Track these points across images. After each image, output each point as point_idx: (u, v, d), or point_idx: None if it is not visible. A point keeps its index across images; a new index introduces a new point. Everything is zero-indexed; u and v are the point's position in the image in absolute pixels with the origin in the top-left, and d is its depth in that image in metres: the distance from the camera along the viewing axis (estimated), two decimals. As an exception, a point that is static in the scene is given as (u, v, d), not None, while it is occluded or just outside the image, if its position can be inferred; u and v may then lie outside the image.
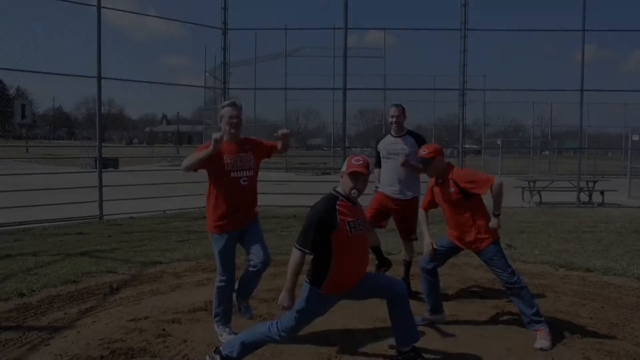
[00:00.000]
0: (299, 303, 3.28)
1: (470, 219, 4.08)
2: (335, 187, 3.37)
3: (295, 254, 3.16)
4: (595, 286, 5.54)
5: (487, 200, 4.09)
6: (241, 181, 3.78)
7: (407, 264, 5.37)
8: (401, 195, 5.15)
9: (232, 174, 3.75)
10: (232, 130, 3.82)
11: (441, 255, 4.32)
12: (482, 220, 4.07)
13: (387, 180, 5.24)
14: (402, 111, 5.28)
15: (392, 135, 5.31)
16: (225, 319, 3.96)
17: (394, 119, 5.24)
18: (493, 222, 4.02)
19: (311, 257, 3.31)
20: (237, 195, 3.78)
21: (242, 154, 3.83)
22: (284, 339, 3.32)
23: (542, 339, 3.85)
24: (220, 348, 3.35)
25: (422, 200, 4.50)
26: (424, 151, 4.18)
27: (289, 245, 7.46)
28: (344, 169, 3.27)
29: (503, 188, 3.97)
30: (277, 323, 3.30)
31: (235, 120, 3.81)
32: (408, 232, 5.27)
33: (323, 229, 3.15)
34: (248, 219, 3.91)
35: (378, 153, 5.41)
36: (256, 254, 3.84)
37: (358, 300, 4.03)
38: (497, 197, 3.96)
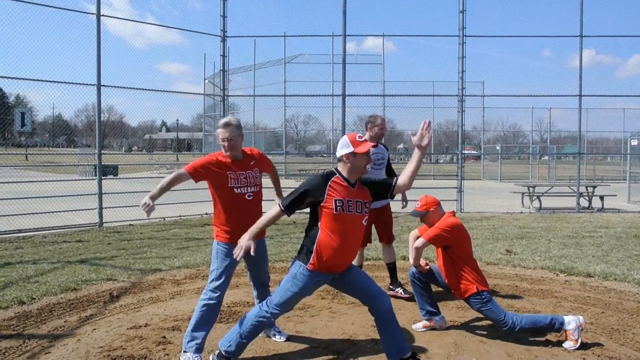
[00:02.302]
0: (287, 279, 3.35)
1: (452, 267, 4.17)
2: (336, 166, 3.41)
3: (274, 209, 3.34)
4: (596, 291, 5.54)
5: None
6: (246, 196, 3.75)
7: (392, 267, 5.52)
8: (380, 204, 5.37)
9: (236, 190, 3.70)
10: (227, 153, 3.71)
11: (431, 275, 4.40)
12: (464, 272, 4.11)
13: None
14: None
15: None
16: (202, 345, 3.63)
17: (383, 130, 5.45)
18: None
19: (305, 233, 3.41)
20: (244, 210, 3.74)
21: (248, 171, 3.76)
22: (276, 316, 3.38)
23: (566, 340, 3.91)
24: (219, 344, 3.36)
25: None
26: (417, 204, 4.32)
27: (288, 252, 7.49)
28: (349, 149, 3.28)
29: (417, 244, 4.20)
30: (266, 302, 3.38)
31: (225, 144, 3.66)
32: (389, 236, 5.54)
33: (308, 199, 3.27)
34: (258, 235, 3.87)
35: None
36: (262, 280, 4.08)
37: (346, 295, 4.02)
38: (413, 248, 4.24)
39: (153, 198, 3.54)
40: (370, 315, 4.61)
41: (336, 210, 3.22)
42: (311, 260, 3.27)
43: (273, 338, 4.07)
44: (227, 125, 3.67)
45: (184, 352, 3.60)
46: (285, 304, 3.34)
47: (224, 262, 3.70)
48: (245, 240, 3.22)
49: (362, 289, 3.45)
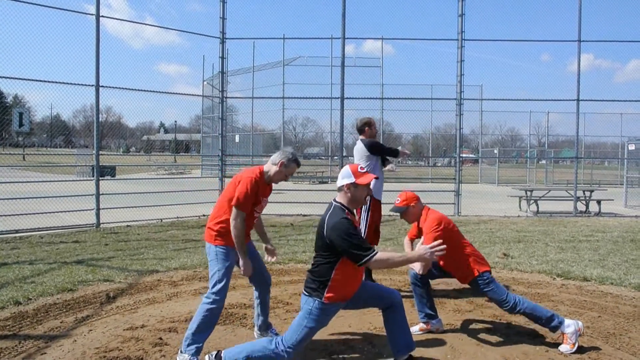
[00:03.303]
0: (302, 317, 3.27)
1: (450, 258, 4.17)
2: (335, 198, 3.39)
3: (379, 259, 3.11)
4: (592, 295, 5.55)
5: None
6: (255, 220, 3.97)
7: (369, 271, 5.61)
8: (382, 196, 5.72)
9: (255, 213, 3.89)
10: (275, 182, 3.93)
11: (432, 274, 4.42)
12: (462, 258, 4.14)
13: (380, 185, 5.67)
14: None
15: None
16: (201, 348, 3.65)
17: (376, 129, 5.91)
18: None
19: (314, 269, 3.31)
20: (250, 224, 3.91)
21: (267, 198, 3.97)
22: (291, 355, 3.27)
23: (563, 343, 3.91)
24: (222, 354, 3.32)
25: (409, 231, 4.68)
26: (397, 200, 4.37)
27: (285, 254, 7.49)
28: (350, 180, 3.29)
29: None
30: (281, 339, 3.27)
31: (288, 177, 3.95)
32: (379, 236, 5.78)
33: None
34: (247, 238, 4.01)
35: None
36: (263, 276, 4.09)
37: (356, 310, 4.05)
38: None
39: (244, 254, 3.75)
40: (367, 317, 4.65)
41: None
42: (326, 294, 3.23)
43: None
44: (300, 165, 3.99)
45: (182, 352, 3.59)
46: (301, 342, 3.26)
47: (225, 264, 3.71)
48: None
49: (376, 297, 3.47)
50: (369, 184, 3.31)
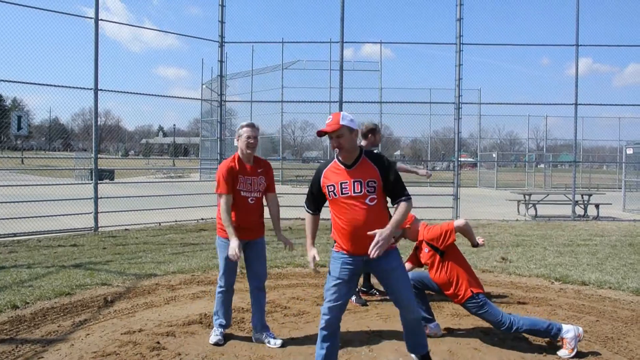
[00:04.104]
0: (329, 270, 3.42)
1: (447, 278, 4.17)
2: None
3: (305, 216, 3.56)
4: (591, 300, 5.55)
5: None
6: (249, 200, 4.06)
7: (368, 275, 5.54)
8: None
9: (242, 193, 4.01)
10: (248, 151, 4.03)
11: (426, 286, 4.42)
12: (458, 277, 4.13)
13: None
14: None
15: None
16: (224, 322, 4.20)
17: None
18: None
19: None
20: (245, 212, 4.05)
21: (254, 177, 4.08)
22: (334, 309, 3.28)
23: (562, 348, 3.91)
24: None
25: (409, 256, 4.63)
26: None
27: (283, 257, 7.48)
28: None
29: (468, 225, 4.26)
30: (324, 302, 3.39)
31: (252, 141, 4.02)
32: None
33: (315, 191, 3.44)
34: (254, 234, 4.18)
35: None
36: (256, 272, 4.25)
37: (348, 310, 4.01)
38: (468, 233, 4.27)
39: (230, 234, 3.91)
40: (365, 321, 4.65)
41: (329, 196, 3.31)
42: (336, 242, 3.39)
43: (267, 344, 4.06)
44: (253, 125, 4.09)
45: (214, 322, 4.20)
46: (331, 293, 3.28)
47: (222, 255, 4.04)
48: (310, 254, 3.44)
49: (392, 288, 3.38)
50: (321, 134, 3.30)
